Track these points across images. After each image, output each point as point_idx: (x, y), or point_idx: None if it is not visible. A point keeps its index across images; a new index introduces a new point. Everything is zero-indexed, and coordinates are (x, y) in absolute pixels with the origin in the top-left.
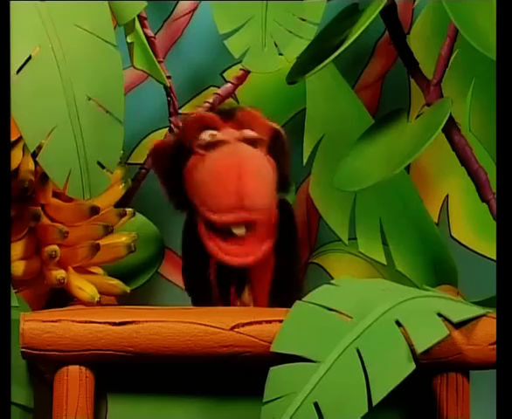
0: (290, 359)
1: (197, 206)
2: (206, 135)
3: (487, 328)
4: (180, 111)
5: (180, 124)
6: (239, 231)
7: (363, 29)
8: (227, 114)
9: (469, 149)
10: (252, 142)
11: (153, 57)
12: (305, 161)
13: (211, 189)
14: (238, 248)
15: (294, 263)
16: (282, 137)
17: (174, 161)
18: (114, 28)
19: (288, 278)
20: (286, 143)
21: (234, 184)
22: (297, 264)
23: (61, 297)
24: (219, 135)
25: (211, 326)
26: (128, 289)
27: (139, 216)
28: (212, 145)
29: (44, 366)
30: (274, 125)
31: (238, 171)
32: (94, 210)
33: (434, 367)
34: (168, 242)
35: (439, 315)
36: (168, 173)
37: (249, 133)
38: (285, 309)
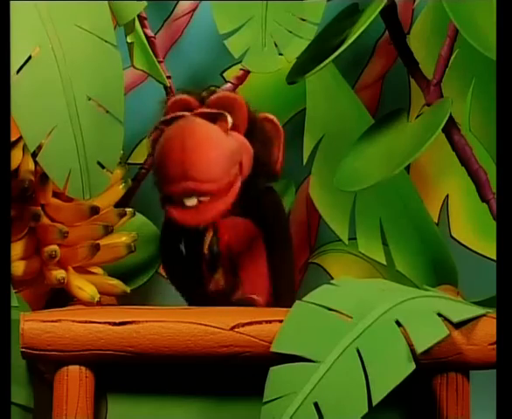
0: (290, 359)
1: (155, 181)
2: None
3: (487, 328)
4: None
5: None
6: (190, 202)
7: (363, 29)
8: (205, 97)
9: (469, 149)
10: (210, 118)
11: (153, 57)
12: (305, 161)
13: (161, 161)
14: (194, 213)
15: (285, 249)
16: (269, 124)
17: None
18: (114, 28)
19: (282, 267)
20: (273, 130)
21: (178, 154)
22: (289, 251)
23: (61, 297)
24: (178, 113)
25: (211, 326)
26: (127, 289)
27: (139, 216)
28: (170, 119)
29: (44, 366)
30: (260, 114)
31: (181, 141)
32: (94, 210)
33: (434, 367)
34: None
35: (439, 315)
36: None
37: (206, 109)
38: (285, 309)
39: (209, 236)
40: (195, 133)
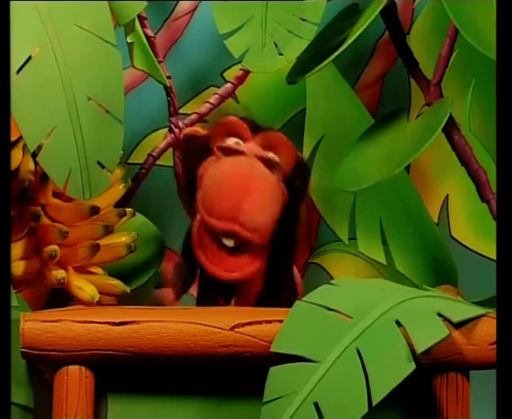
0: (290, 359)
1: (198, 206)
2: (230, 141)
3: (487, 328)
4: (180, 111)
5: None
6: (228, 242)
7: (363, 29)
8: (258, 129)
9: (469, 149)
10: (269, 165)
11: (153, 57)
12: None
13: (214, 192)
14: (227, 260)
15: (285, 276)
16: (305, 170)
17: (196, 154)
18: (114, 28)
19: (278, 291)
20: (306, 178)
21: (237, 196)
22: (289, 277)
23: (61, 297)
24: (240, 146)
25: (211, 326)
26: (127, 289)
27: (139, 216)
28: (230, 151)
29: (44, 366)
30: (300, 155)
31: (244, 184)
32: (94, 210)
33: (434, 367)
34: (168, 242)
35: (439, 315)
36: (189, 164)
37: (270, 154)
38: (285, 309)
39: None
40: (256, 180)
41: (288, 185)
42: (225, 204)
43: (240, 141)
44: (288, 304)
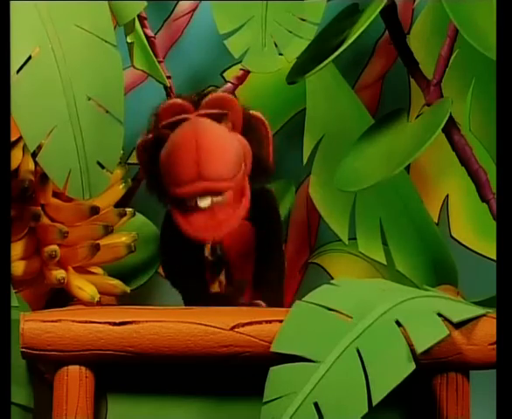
0: (290, 359)
1: (165, 186)
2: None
3: (487, 328)
4: None
5: (154, 116)
6: (205, 203)
7: (363, 29)
8: (198, 100)
9: (469, 149)
10: (214, 117)
11: (153, 57)
12: (305, 161)
13: (172, 164)
14: (208, 220)
15: (274, 250)
16: (257, 122)
17: (155, 152)
18: (114, 28)
19: (269, 266)
20: (261, 126)
21: (192, 156)
22: (279, 252)
23: (61, 297)
24: (181, 116)
25: (211, 326)
26: (127, 289)
27: (139, 216)
28: (175, 124)
29: (44, 366)
30: (246, 108)
31: (195, 142)
32: (94, 210)
33: (434, 367)
34: None
35: (439, 315)
36: (150, 164)
37: (213, 110)
38: (285, 309)
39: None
40: (206, 133)
41: (246, 135)
42: (186, 167)
43: (185, 115)
44: (278, 280)
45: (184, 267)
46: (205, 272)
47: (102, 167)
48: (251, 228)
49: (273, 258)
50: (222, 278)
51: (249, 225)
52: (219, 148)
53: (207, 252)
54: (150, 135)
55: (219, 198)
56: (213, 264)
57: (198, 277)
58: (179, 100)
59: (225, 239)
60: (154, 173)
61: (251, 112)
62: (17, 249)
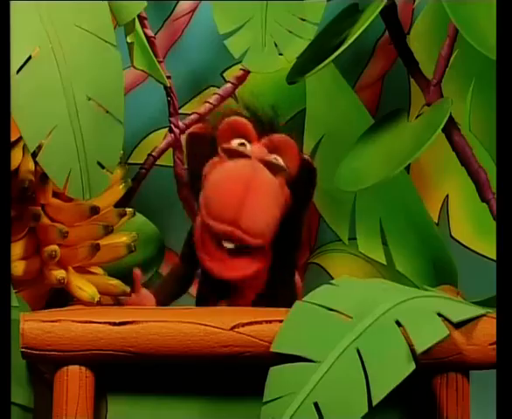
0: (290, 359)
1: (201, 206)
2: (234, 143)
3: (487, 328)
4: (180, 111)
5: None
6: (228, 245)
7: (363, 29)
8: (264, 129)
9: (469, 149)
10: (273, 168)
11: (153, 57)
12: None
13: (216, 195)
14: (227, 260)
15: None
16: (311, 173)
17: (201, 154)
18: (114, 28)
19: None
20: (312, 182)
21: (238, 199)
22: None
23: (61, 297)
24: (245, 148)
25: (211, 326)
26: (128, 289)
27: (139, 216)
28: (234, 153)
29: (44, 366)
30: (307, 157)
31: (246, 188)
32: (94, 210)
33: (434, 367)
34: (168, 242)
35: (439, 315)
36: (194, 163)
37: (273, 158)
38: (285, 309)
39: None
40: (258, 183)
41: (294, 188)
42: (226, 207)
43: (246, 142)
44: (288, 307)
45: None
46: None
47: (102, 167)
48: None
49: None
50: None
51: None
52: (267, 203)
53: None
54: (209, 132)
55: (244, 248)
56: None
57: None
58: (245, 123)
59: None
60: (196, 173)
61: (306, 158)
62: (17, 249)
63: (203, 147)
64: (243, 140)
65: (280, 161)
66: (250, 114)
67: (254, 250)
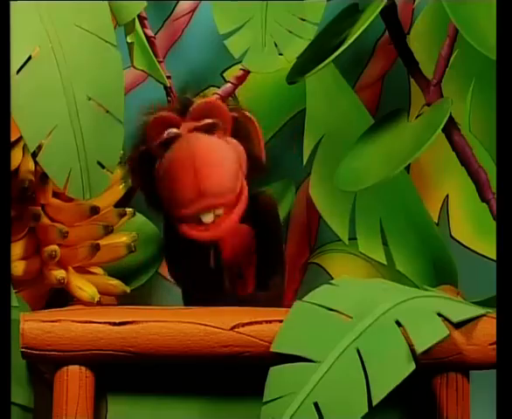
0: (290, 359)
1: (166, 207)
2: (164, 135)
3: (487, 328)
4: None
5: (141, 129)
6: (207, 218)
7: (363, 29)
8: (183, 108)
9: (469, 149)
10: (205, 129)
11: (153, 57)
12: (305, 161)
13: (172, 187)
14: (209, 227)
15: (275, 253)
16: (245, 119)
17: (147, 169)
18: (114, 28)
19: (270, 269)
20: (249, 123)
21: (190, 176)
22: (279, 255)
23: (61, 297)
24: (172, 131)
25: (211, 326)
26: (128, 289)
27: (139, 216)
28: (167, 143)
29: (44, 366)
30: (232, 108)
31: (191, 161)
32: (94, 210)
33: (434, 367)
34: None
35: (439, 315)
36: (144, 181)
37: (202, 121)
38: (285, 309)
39: (213, 248)
40: (202, 150)
41: (237, 137)
42: (187, 189)
43: (174, 129)
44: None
45: (190, 273)
46: (210, 279)
47: (102, 167)
48: (251, 231)
49: (274, 261)
50: (226, 282)
51: (249, 228)
52: (216, 163)
53: (211, 261)
54: (143, 148)
55: (221, 210)
56: (217, 270)
57: (205, 282)
58: (165, 113)
59: (226, 246)
60: (150, 189)
61: (236, 111)
62: (17, 249)
63: (145, 163)
64: (171, 129)
65: (210, 120)
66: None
67: (230, 210)
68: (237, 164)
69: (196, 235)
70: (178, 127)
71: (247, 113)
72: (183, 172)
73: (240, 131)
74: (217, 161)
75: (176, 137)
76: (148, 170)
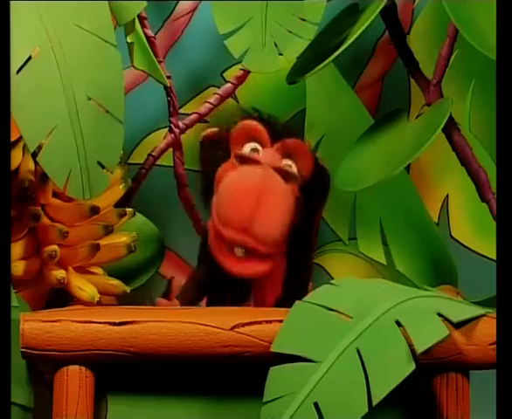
0: (290, 359)
1: (213, 211)
2: (247, 148)
3: (487, 328)
4: (180, 111)
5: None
6: (239, 252)
7: (363, 29)
8: (277, 134)
9: (469, 149)
10: (285, 175)
11: (153, 57)
12: None
13: (227, 202)
14: (240, 260)
15: (306, 272)
16: (325, 178)
17: (215, 156)
18: (114, 28)
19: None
20: (327, 185)
21: (249, 207)
22: (309, 272)
23: (61, 297)
24: (257, 154)
25: (211, 326)
26: (128, 289)
27: (139, 216)
28: (247, 160)
29: (44, 366)
30: (321, 162)
31: (258, 196)
32: (94, 210)
33: (434, 367)
34: (168, 242)
35: (439, 315)
36: (208, 166)
37: (286, 166)
38: (285, 309)
39: None
40: (269, 192)
41: (307, 193)
42: (237, 215)
43: (258, 147)
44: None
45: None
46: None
47: (102, 167)
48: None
49: (304, 279)
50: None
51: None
52: (277, 214)
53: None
54: (223, 135)
55: (254, 254)
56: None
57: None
58: (259, 127)
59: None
60: (208, 176)
61: (320, 162)
62: (17, 249)
63: (216, 151)
64: (256, 145)
65: (293, 167)
66: (262, 118)
67: (264, 255)
68: (290, 220)
69: (221, 261)
70: (262, 146)
71: (325, 166)
72: (244, 199)
73: (316, 183)
74: (278, 213)
75: (255, 161)
76: (216, 154)
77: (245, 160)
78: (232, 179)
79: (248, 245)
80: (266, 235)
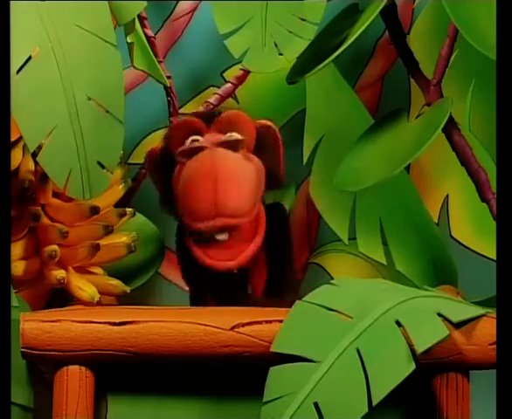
0: (290, 359)
1: (181, 215)
2: (187, 142)
3: (487, 328)
4: (180, 111)
5: (166, 132)
6: (221, 237)
7: (363, 29)
8: (210, 117)
9: (469, 149)
10: (231, 145)
11: (153, 57)
12: (305, 161)
13: (190, 198)
14: (222, 252)
15: (285, 266)
16: (268, 132)
17: (164, 169)
18: (114, 28)
19: (280, 281)
20: (272, 137)
21: (210, 191)
22: (289, 267)
23: (61, 297)
24: (197, 142)
25: (211, 326)
26: (128, 289)
27: (139, 216)
28: (191, 152)
29: (44, 366)
30: (258, 122)
31: (212, 178)
32: (94, 210)
33: (434, 367)
34: (168, 242)
35: (439, 315)
36: (160, 180)
37: (226, 136)
38: (285, 309)
39: None
40: (224, 166)
41: (258, 152)
42: (204, 204)
43: (198, 137)
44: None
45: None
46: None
47: (102, 167)
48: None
49: (285, 272)
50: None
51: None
52: (237, 183)
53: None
54: (161, 147)
55: (237, 232)
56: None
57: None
58: (190, 118)
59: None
60: (166, 191)
61: (261, 122)
62: (17, 249)
63: (163, 162)
64: (195, 137)
65: (235, 134)
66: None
67: (245, 234)
68: (257, 186)
69: (208, 263)
70: (202, 135)
71: (271, 124)
72: (202, 186)
73: (262, 146)
74: (238, 181)
75: (198, 149)
76: (166, 170)
77: (189, 152)
78: (185, 176)
79: (228, 224)
80: (236, 206)
